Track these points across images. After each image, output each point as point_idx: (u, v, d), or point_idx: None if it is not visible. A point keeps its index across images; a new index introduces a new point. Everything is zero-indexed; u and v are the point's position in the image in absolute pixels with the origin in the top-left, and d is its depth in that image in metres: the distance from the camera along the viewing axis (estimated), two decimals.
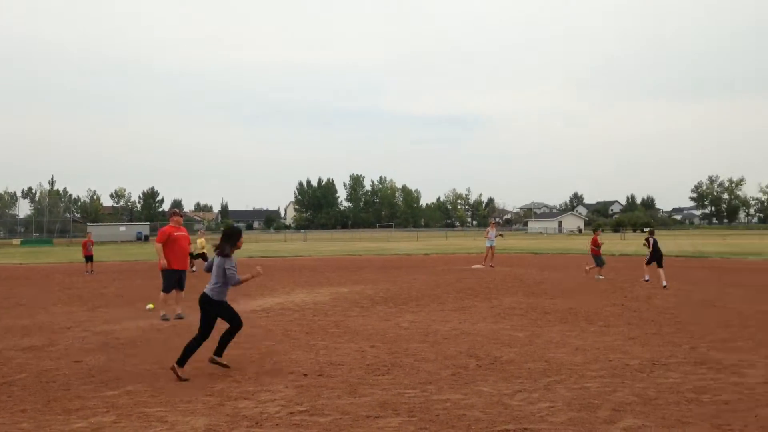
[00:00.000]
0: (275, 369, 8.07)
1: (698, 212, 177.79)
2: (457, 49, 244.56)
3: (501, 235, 30.15)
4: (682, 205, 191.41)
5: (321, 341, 9.84)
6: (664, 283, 17.18)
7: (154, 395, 6.85)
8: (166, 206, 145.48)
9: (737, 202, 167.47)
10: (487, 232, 27.36)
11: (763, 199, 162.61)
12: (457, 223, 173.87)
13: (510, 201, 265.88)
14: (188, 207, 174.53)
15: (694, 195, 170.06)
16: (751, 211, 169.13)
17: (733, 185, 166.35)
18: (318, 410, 6.16)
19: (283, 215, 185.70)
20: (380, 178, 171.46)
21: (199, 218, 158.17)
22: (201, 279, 20.17)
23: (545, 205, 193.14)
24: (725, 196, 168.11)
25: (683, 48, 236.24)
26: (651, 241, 18.58)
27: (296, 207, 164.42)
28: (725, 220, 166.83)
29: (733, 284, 18.04)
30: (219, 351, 7.97)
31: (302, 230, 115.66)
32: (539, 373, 7.60)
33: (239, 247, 8.11)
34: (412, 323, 11.56)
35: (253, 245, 57.42)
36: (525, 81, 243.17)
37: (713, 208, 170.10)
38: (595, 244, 20.95)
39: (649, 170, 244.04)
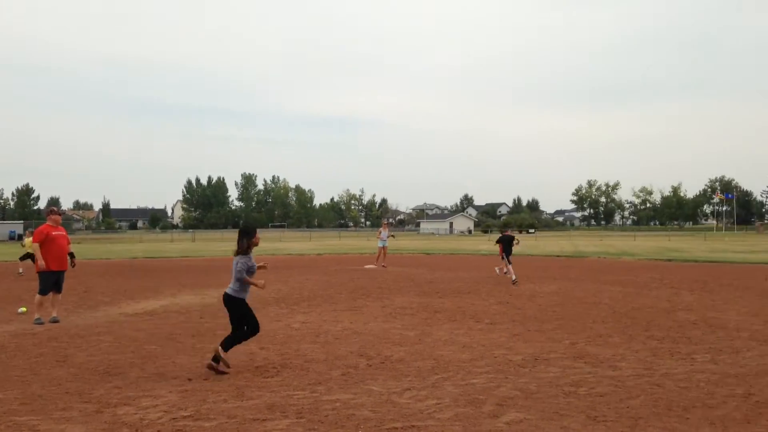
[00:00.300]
0: (158, 373, 7.76)
1: (578, 214, 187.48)
2: (355, 50, 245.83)
3: (393, 235, 30.53)
4: (564, 208, 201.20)
5: (208, 344, 9.54)
6: (513, 277, 18.84)
7: (25, 403, 6.40)
8: (42, 204, 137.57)
9: (613, 205, 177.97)
10: (380, 233, 27.60)
11: (636, 202, 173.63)
12: (351, 224, 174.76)
13: (403, 202, 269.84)
14: (67, 205, 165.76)
15: (575, 198, 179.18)
16: (626, 213, 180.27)
17: (609, 189, 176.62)
18: (203, 415, 5.96)
19: (170, 214, 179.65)
20: (273, 177, 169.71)
21: (78, 217, 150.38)
22: (30, 279, 19.18)
23: (437, 207, 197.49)
24: (603, 199, 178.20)
25: (568, 56, 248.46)
26: (505, 238, 20.38)
27: (184, 206, 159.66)
28: (603, 222, 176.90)
29: (610, 282, 19.08)
30: (224, 345, 7.88)
31: (191, 230, 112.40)
32: (428, 371, 7.71)
33: (256, 244, 8.26)
34: (303, 324, 11.46)
35: (137, 245, 55.16)
36: (418, 83, 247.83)
37: (592, 211, 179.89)
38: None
39: (534, 174, 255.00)
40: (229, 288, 8.03)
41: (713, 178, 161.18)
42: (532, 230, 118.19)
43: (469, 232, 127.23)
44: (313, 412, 5.99)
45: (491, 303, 14.24)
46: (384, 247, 26.98)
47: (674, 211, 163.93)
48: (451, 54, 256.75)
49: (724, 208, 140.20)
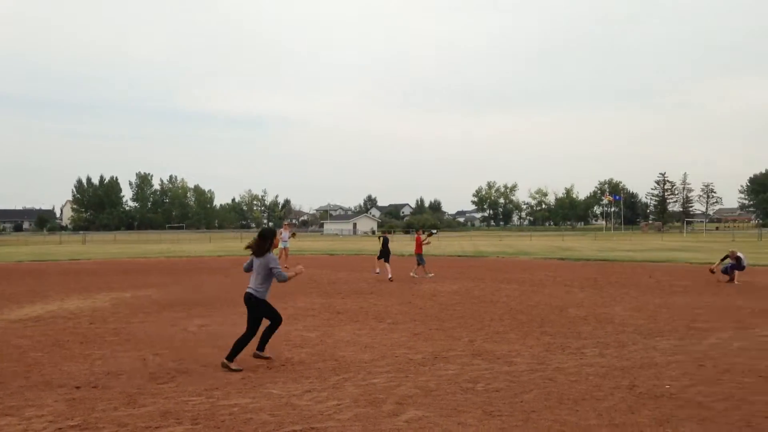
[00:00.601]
0: (43, 382, 7.32)
1: (479, 215, 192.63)
2: (255, 49, 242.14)
3: (294, 234, 30.20)
4: (465, 209, 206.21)
5: (97, 350, 9.10)
6: (389, 276, 20.03)
7: None
8: None
9: (511, 206, 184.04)
10: (280, 233, 27.28)
11: (532, 203, 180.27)
12: (253, 225, 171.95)
13: (307, 203, 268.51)
14: None
15: (475, 199, 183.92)
16: (523, 214, 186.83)
17: (508, 190, 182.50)
18: (91, 424, 5.67)
19: (58, 215, 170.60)
20: (171, 177, 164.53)
21: None
22: None
23: (341, 208, 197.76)
24: (501, 200, 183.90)
25: (470, 60, 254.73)
26: (382, 239, 21.63)
27: (74, 206, 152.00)
28: (502, 222, 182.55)
29: (507, 281, 19.68)
30: (261, 346, 8.48)
31: (81, 231, 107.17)
32: (329, 372, 7.67)
33: (276, 246, 8.59)
34: (201, 328, 11.14)
35: (22, 248, 52.04)
36: (324, 82, 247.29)
37: (491, 212, 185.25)
38: (419, 244, 22.04)
39: (436, 175, 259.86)
40: (252, 288, 8.24)
41: (603, 180, 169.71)
42: (435, 231, 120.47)
43: (373, 232, 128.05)
44: (209, 418, 5.82)
45: (393, 303, 14.36)
46: (285, 248, 26.68)
47: (567, 212, 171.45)
48: (357, 54, 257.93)
49: (613, 209, 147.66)
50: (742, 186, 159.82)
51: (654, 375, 7.40)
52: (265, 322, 8.45)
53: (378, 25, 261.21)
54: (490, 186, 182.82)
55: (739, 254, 18.71)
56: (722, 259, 19.24)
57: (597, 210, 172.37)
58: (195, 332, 10.66)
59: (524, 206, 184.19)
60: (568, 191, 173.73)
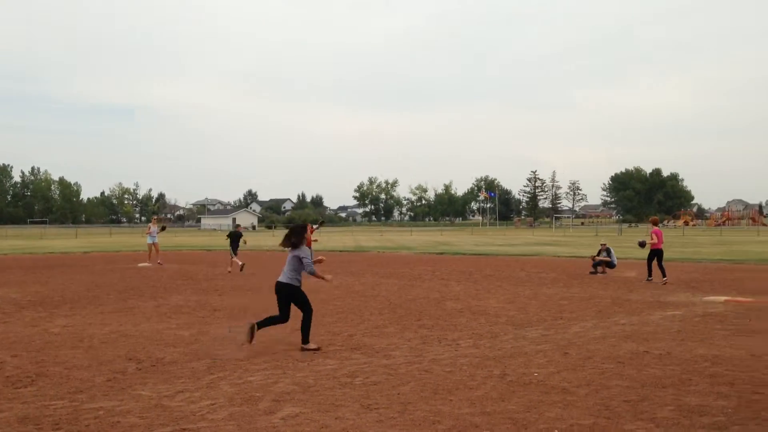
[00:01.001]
0: None
1: (360, 210, 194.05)
2: (131, 34, 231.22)
3: (164, 228, 28.99)
4: (347, 204, 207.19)
5: None
6: (240, 263, 21.20)
7: None
8: None
9: (392, 201, 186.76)
10: (149, 228, 26.20)
11: (413, 199, 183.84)
12: (124, 219, 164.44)
13: (183, 197, 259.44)
14: None
15: (357, 194, 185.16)
16: (404, 209, 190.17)
17: (389, 186, 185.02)
18: None
19: None
20: (33, 169, 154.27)
21: None
22: None
23: (219, 202, 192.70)
24: (383, 196, 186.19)
25: (350, 56, 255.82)
26: (231, 235, 22.33)
27: None
28: (383, 218, 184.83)
29: (387, 275, 19.95)
30: (305, 339, 8.77)
31: None
32: (203, 372, 7.43)
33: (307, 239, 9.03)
34: (64, 328, 10.48)
35: None
36: (198, 75, 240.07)
37: (373, 207, 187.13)
38: (308, 238, 21.79)
39: (319, 170, 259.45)
40: (284, 278, 8.78)
41: (479, 177, 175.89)
42: (316, 225, 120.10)
43: (253, 227, 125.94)
44: (72, 423, 5.48)
45: (273, 299, 14.12)
46: (155, 243, 25.64)
47: (446, 208, 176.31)
48: (231, 46, 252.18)
49: (488, 206, 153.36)
50: (604, 184, 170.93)
51: (523, 363, 7.72)
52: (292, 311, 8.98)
53: (255, 17, 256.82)
54: (371, 181, 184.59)
55: (608, 247, 19.99)
56: (599, 252, 20.30)
57: (474, 206, 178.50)
58: (58, 333, 10.01)
59: (405, 202, 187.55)
60: (447, 187, 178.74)
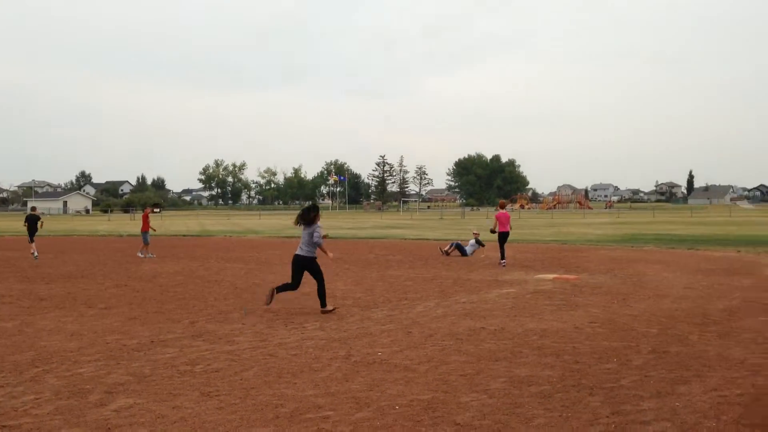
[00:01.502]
0: None
1: (206, 193, 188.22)
2: None
3: None
4: (192, 187, 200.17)
5: None
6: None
7: None
8: None
9: (240, 184, 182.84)
10: None
11: (262, 182, 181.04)
12: None
13: (6, 178, 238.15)
14: None
15: (203, 177, 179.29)
16: (252, 193, 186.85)
17: (236, 169, 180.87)
18: None
19: None
20: None
21: None
22: None
23: (48, 184, 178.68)
24: (230, 179, 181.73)
25: (190, 33, 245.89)
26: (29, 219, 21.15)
27: None
28: (230, 201, 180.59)
29: (234, 260, 19.50)
30: (323, 303, 10.20)
31: None
32: (26, 365, 6.86)
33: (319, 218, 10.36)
34: None
35: None
36: (16, 45, 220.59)
37: (219, 190, 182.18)
38: (146, 222, 21.03)
39: (161, 152, 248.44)
40: (302, 251, 10.26)
41: (329, 161, 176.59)
42: (158, 209, 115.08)
43: (87, 211, 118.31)
44: None
45: (107, 286, 13.37)
46: None
47: (296, 191, 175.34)
48: (70, 20, 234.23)
49: (338, 189, 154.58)
50: (449, 169, 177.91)
51: (368, 344, 7.85)
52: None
53: None
54: (217, 164, 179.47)
55: (476, 239, 20.69)
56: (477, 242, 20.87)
57: (324, 190, 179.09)
58: None
59: (254, 185, 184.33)
60: (297, 171, 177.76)
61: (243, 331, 8.67)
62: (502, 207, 18.28)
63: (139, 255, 20.43)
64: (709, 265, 16.27)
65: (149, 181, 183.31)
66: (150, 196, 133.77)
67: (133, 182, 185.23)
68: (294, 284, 10.30)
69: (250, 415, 5.23)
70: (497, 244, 17.47)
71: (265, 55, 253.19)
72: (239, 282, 14.02)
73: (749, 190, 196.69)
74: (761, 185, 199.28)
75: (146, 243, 20.68)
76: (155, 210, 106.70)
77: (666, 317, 9.36)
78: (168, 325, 9.20)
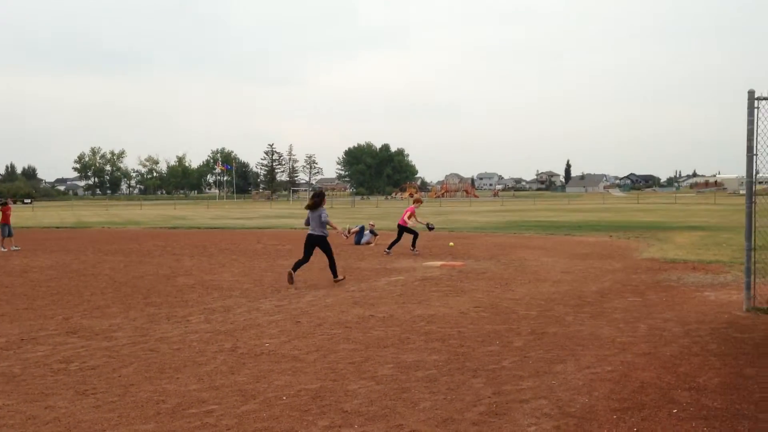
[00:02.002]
0: None
1: (83, 183, 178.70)
2: None
3: None
4: (67, 176, 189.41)
5: None
6: None
7: None
8: None
9: (120, 173, 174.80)
10: None
11: (143, 171, 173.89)
12: None
13: None
14: None
15: (78, 166, 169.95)
16: (133, 182, 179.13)
17: (115, 157, 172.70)
18: None
19: None
20: None
21: None
22: None
23: None
24: (108, 167, 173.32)
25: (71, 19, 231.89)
26: None
27: None
28: (109, 191, 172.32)
29: (112, 252, 18.62)
30: (335, 275, 12.07)
31: None
32: None
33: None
34: None
35: None
36: None
37: (97, 180, 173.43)
38: (6, 214, 19.76)
39: (32, 140, 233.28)
40: (315, 231, 11.95)
41: (215, 149, 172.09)
42: (29, 200, 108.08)
43: None
44: None
45: None
46: None
47: (180, 181, 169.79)
48: None
49: (226, 178, 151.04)
50: (339, 158, 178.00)
51: (256, 335, 7.72)
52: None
53: None
54: (94, 152, 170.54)
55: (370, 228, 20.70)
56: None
57: (210, 179, 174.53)
58: None
59: (134, 174, 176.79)
60: (181, 159, 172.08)
61: (122, 327, 8.30)
62: (415, 200, 18.76)
63: (2, 249, 19.15)
64: (584, 250, 17.19)
65: (19, 170, 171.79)
66: (20, 186, 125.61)
67: (2, 172, 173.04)
68: (305, 259, 12.01)
69: (129, 412, 5.01)
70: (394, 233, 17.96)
71: (150, 40, 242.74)
72: (118, 275, 13.41)
73: (620, 179, 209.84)
74: (631, 174, 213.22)
75: (9, 236, 19.51)
76: (27, 201, 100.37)
77: (545, 300, 9.81)
78: (40, 321, 8.66)
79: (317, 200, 12.10)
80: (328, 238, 12.15)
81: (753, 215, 8.57)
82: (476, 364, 6.24)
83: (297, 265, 11.93)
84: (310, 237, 12.02)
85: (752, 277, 8.62)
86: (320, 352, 6.88)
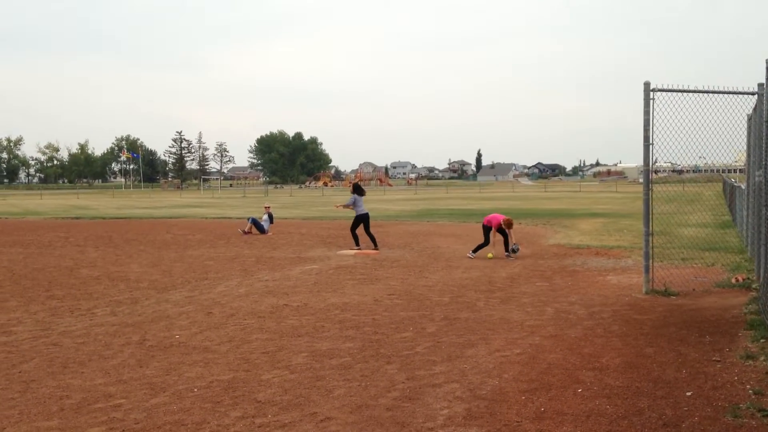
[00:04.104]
0: None
1: None
2: None
3: None
4: None
5: None
6: None
7: None
8: None
9: (17, 161, 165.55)
10: None
11: (42, 159, 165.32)
12: None
13: None
14: None
15: None
16: (32, 171, 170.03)
17: (11, 144, 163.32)
18: None
19: None
20: None
21: None
22: None
23: None
24: (5, 155, 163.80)
25: None
26: None
27: None
28: (6, 180, 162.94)
29: (10, 244, 17.67)
30: (375, 245, 15.27)
31: None
32: None
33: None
34: None
35: None
36: None
37: None
38: None
39: None
40: (365, 210, 15.70)
41: (120, 137, 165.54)
42: None
43: None
44: None
45: None
46: None
47: (83, 169, 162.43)
48: None
49: (132, 167, 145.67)
50: (251, 146, 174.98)
51: (165, 327, 7.52)
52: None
53: None
54: None
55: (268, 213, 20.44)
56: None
57: (116, 167, 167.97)
58: None
59: (33, 162, 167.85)
60: (83, 147, 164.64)
61: (22, 321, 7.90)
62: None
63: None
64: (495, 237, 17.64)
65: None
66: None
67: None
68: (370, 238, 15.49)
69: (30, 409, 4.79)
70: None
71: (46, 17, 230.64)
72: (17, 268, 12.74)
73: (529, 168, 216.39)
74: (539, 163, 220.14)
75: None
76: None
77: (457, 286, 10.02)
78: None
79: (361, 189, 16.15)
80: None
81: (650, 202, 9.04)
82: (390, 351, 6.31)
83: (372, 239, 15.07)
84: (366, 215, 15.67)
85: (650, 261, 9.09)
86: (233, 342, 6.78)
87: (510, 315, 7.89)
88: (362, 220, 15.49)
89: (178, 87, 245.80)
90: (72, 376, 5.59)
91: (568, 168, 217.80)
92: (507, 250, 13.61)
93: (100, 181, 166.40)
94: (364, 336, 6.95)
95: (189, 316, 8.16)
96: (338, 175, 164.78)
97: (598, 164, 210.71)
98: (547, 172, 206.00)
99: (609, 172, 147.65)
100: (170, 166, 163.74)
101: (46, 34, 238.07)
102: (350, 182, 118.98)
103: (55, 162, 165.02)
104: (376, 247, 15.10)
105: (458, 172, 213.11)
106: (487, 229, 13.79)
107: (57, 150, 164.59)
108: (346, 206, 16.11)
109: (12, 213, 35.46)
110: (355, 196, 15.66)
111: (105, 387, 5.30)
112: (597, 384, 5.22)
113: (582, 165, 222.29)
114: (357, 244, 15.31)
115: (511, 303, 8.65)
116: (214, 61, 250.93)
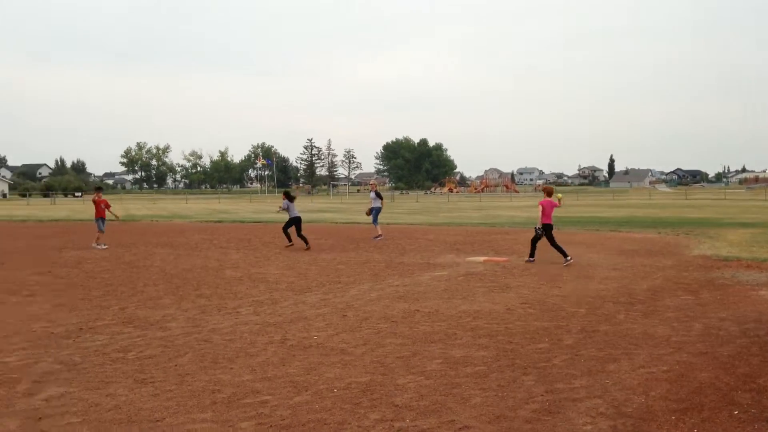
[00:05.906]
0: None
1: (130, 177, 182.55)
2: None
3: None
4: (114, 170, 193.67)
5: None
6: None
7: None
8: None
9: (165, 168, 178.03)
10: None
11: (187, 165, 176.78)
12: None
13: None
14: None
15: (125, 160, 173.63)
16: (178, 176, 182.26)
17: (160, 152, 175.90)
18: None
19: None
20: None
21: None
22: None
23: None
24: (154, 162, 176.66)
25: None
26: None
27: None
28: (155, 185, 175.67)
29: (162, 245, 19.02)
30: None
31: None
32: None
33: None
34: None
35: None
36: None
37: (143, 174, 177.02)
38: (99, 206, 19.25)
39: (80, 133, 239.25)
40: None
41: (256, 144, 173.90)
42: (79, 194, 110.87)
43: (3, 195, 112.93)
44: None
45: (29, 273, 12.84)
46: None
47: (223, 175, 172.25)
48: None
49: (266, 173, 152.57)
50: (377, 153, 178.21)
51: (304, 328, 7.82)
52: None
53: None
54: (140, 147, 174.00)
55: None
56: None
57: (252, 173, 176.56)
58: None
59: (179, 169, 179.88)
60: (223, 154, 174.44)
61: (175, 317, 8.49)
62: (548, 194, 14.47)
63: (101, 246, 18.13)
64: (631, 246, 16.92)
65: (69, 164, 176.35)
66: (70, 180, 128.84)
67: (52, 165, 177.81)
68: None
69: (186, 401, 5.15)
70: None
71: (179, 36, 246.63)
72: (169, 267, 13.71)
73: (667, 174, 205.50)
74: (678, 169, 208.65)
75: (101, 231, 18.93)
76: (77, 194, 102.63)
77: (593, 297, 9.70)
78: (96, 311, 8.92)
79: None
80: None
81: None
82: (526, 362, 6.22)
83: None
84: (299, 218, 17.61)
85: None
86: (368, 345, 6.94)
87: (654, 330, 7.54)
88: (294, 222, 17.63)
89: (308, 96, 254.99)
90: (222, 371, 5.95)
91: (711, 174, 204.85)
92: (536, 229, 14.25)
93: (238, 186, 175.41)
94: (498, 345, 6.90)
95: (325, 318, 8.44)
96: (463, 181, 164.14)
97: (744, 170, 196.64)
98: (687, 178, 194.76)
99: (757, 179, 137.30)
100: (301, 172, 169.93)
101: (199, 53, 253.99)
102: (476, 188, 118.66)
103: (199, 168, 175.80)
104: (308, 247, 17.10)
105: (589, 178, 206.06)
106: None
107: (200, 157, 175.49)
108: (281, 210, 18.49)
109: (162, 216, 38.16)
110: (287, 201, 17.79)
111: (252, 383, 5.60)
112: (755, 406, 4.89)
113: (726, 171, 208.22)
114: (290, 240, 17.74)
115: (654, 317, 8.26)
116: (343, 70, 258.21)
